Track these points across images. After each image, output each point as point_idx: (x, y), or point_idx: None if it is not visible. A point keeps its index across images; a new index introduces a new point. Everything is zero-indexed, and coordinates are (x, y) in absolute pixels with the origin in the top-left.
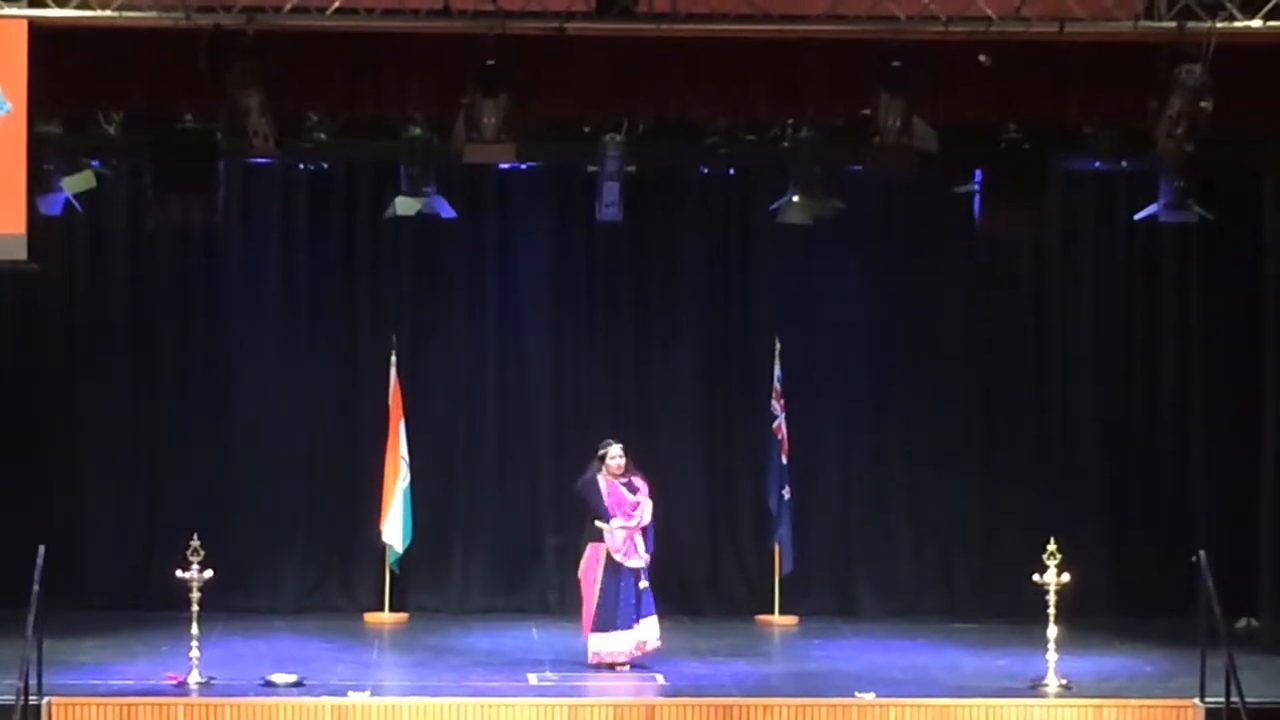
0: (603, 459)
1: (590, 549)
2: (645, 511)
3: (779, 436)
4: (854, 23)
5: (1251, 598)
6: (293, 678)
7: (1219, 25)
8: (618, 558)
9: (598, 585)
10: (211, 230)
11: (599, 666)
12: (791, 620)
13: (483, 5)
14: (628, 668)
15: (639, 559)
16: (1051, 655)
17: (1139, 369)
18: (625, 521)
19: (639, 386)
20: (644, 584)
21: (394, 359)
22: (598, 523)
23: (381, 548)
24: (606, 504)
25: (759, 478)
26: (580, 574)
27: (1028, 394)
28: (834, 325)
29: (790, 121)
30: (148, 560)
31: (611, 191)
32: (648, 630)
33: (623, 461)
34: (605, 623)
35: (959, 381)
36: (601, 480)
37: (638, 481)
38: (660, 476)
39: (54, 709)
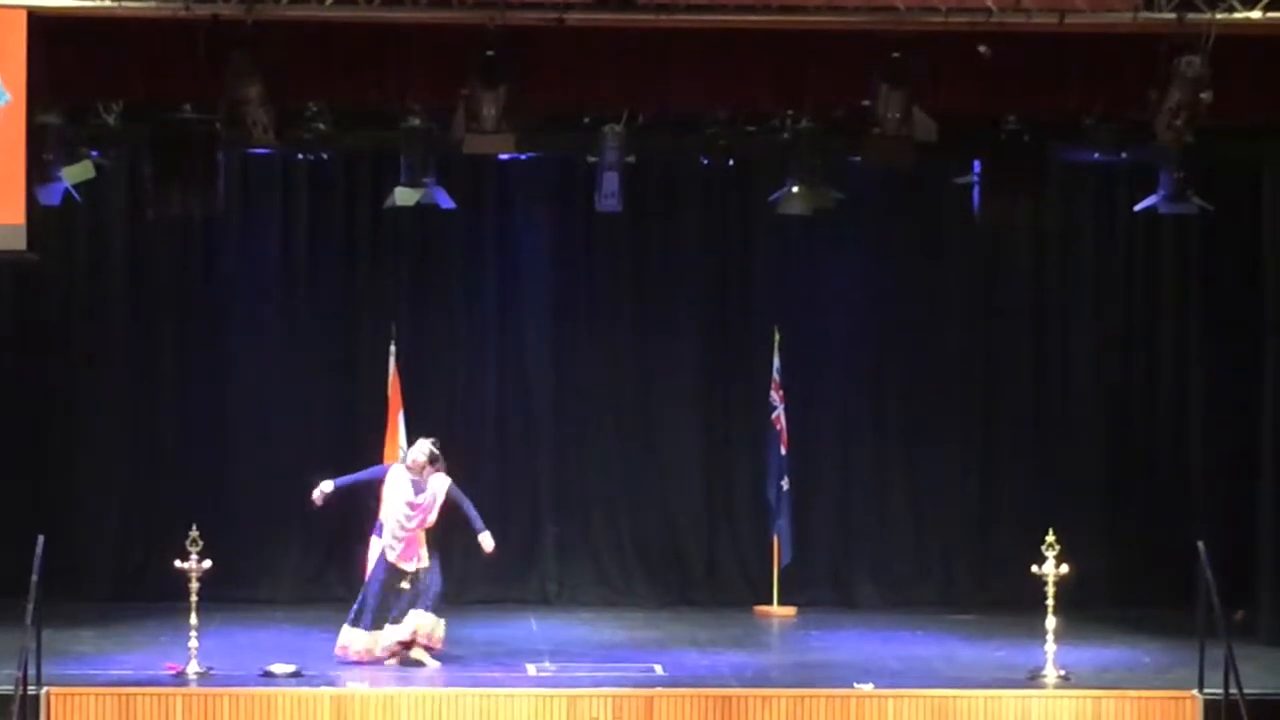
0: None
1: (374, 542)
2: (425, 516)
3: (778, 427)
4: (853, 14)
5: (1250, 589)
6: (291, 668)
7: (1219, 16)
8: (391, 557)
9: (370, 581)
10: (211, 220)
11: (346, 662)
12: (790, 611)
13: None
14: (395, 662)
15: (410, 563)
16: (1050, 646)
17: (1138, 360)
18: (404, 523)
19: (638, 376)
20: (405, 585)
21: (393, 349)
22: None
23: None
24: (378, 492)
25: (758, 469)
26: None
27: (1027, 385)
28: (833, 316)
29: (790, 112)
30: (147, 551)
31: (611, 182)
32: (400, 632)
33: (421, 460)
34: (353, 618)
35: (958, 373)
36: (396, 469)
37: (435, 482)
38: (659, 467)
39: (53, 699)
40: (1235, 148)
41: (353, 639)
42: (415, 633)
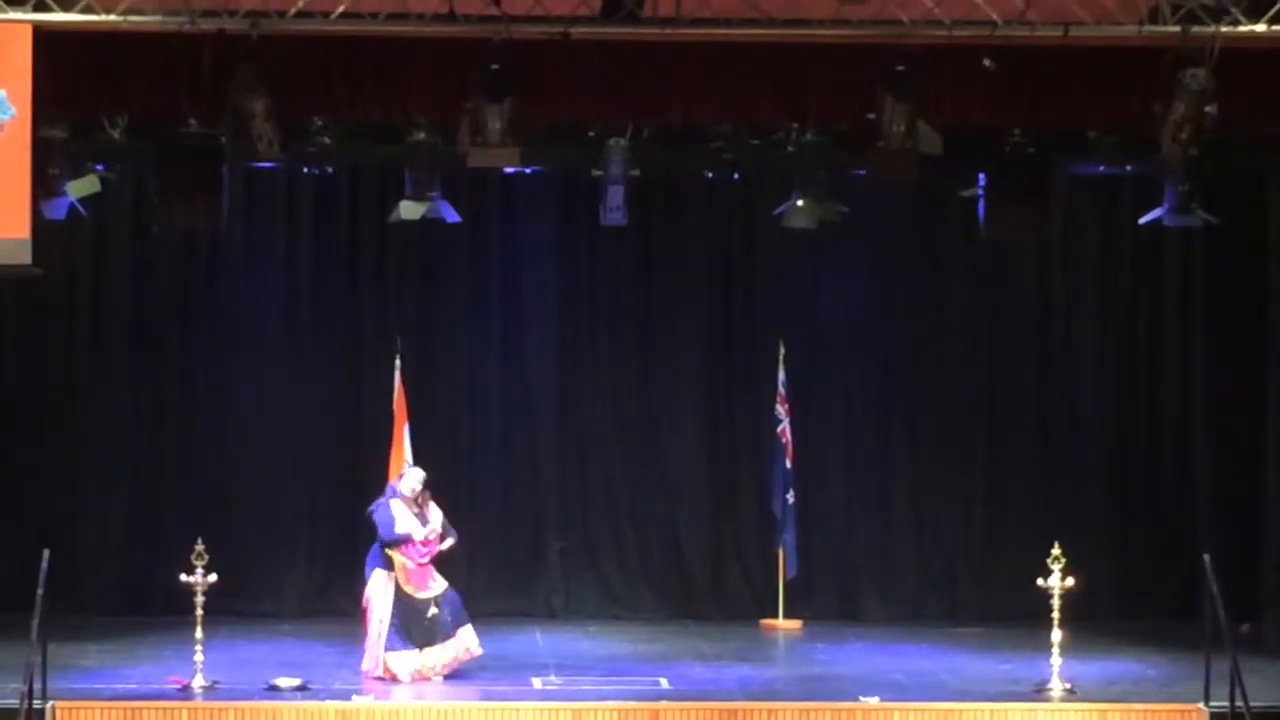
0: (398, 483)
1: (376, 574)
2: (435, 547)
3: (783, 441)
4: (858, 27)
5: (1256, 602)
6: (297, 681)
7: (1223, 29)
8: (408, 589)
9: (387, 613)
10: (215, 234)
11: (389, 680)
12: (795, 624)
13: (487, 10)
14: (441, 680)
15: (427, 591)
16: (1056, 659)
17: (1143, 372)
18: (418, 557)
19: (643, 390)
20: (433, 612)
21: (398, 362)
22: (388, 550)
23: None
24: (397, 533)
25: (763, 482)
26: (364, 601)
27: (1032, 398)
28: (838, 329)
29: (794, 125)
30: (152, 564)
31: (615, 195)
32: (454, 649)
33: (419, 488)
34: (400, 641)
35: (963, 386)
36: (398, 506)
37: (431, 512)
38: (664, 480)
39: (58, 713)
40: (1240, 160)
41: (403, 662)
42: (468, 649)
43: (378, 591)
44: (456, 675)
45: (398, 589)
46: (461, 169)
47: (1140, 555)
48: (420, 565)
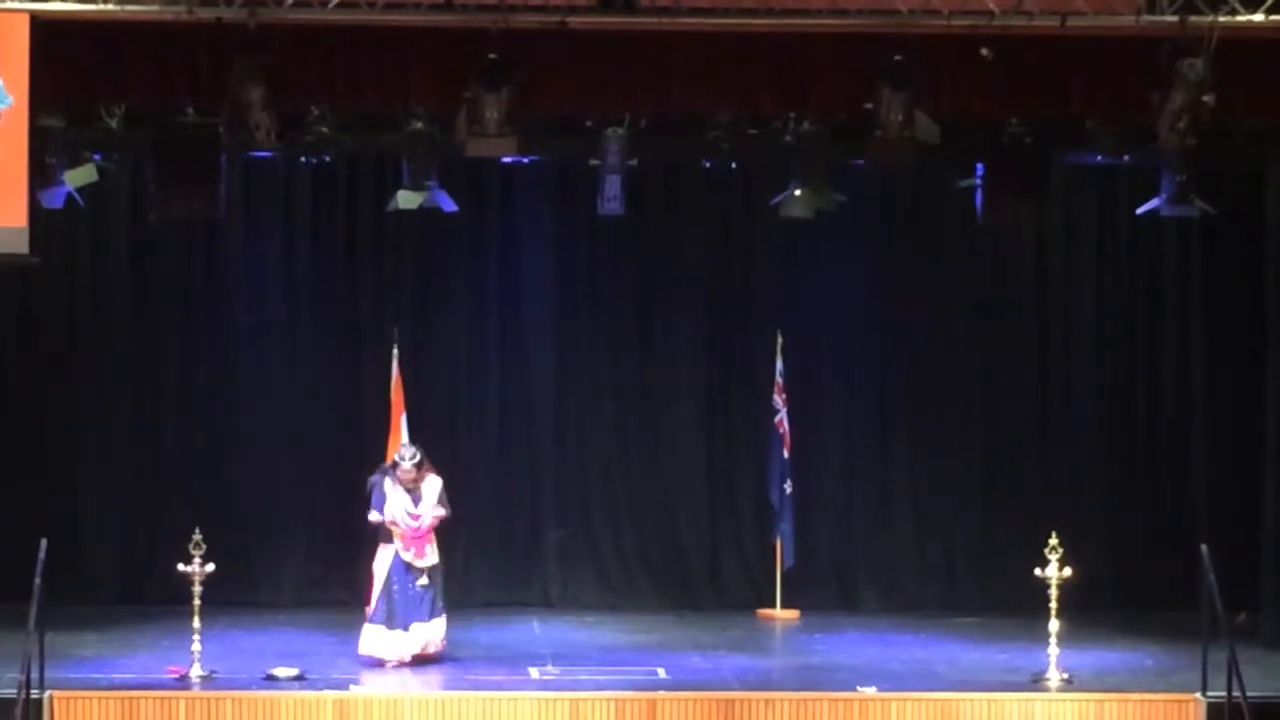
0: (396, 465)
1: (381, 548)
2: (426, 519)
3: (781, 430)
4: (856, 16)
5: (1253, 592)
6: (294, 671)
7: (1221, 19)
8: (406, 557)
9: (381, 581)
10: (213, 224)
11: (372, 663)
12: (793, 614)
13: None
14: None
15: (424, 560)
16: (1053, 649)
17: (1141, 363)
18: (407, 527)
19: (640, 380)
20: (424, 581)
21: (396, 352)
22: (388, 523)
23: None
24: (381, 510)
25: (761, 472)
26: (372, 569)
27: (1030, 388)
28: (836, 319)
29: (792, 115)
30: (150, 554)
31: (613, 185)
32: (429, 632)
33: (412, 470)
34: (384, 619)
35: (961, 376)
36: (388, 483)
37: (428, 486)
38: (662, 470)
39: (56, 703)
40: (1237, 150)
41: (388, 642)
42: (433, 640)
43: (379, 563)
44: (451, 662)
45: (397, 557)
46: (459, 158)
47: (1138, 545)
48: (416, 536)
